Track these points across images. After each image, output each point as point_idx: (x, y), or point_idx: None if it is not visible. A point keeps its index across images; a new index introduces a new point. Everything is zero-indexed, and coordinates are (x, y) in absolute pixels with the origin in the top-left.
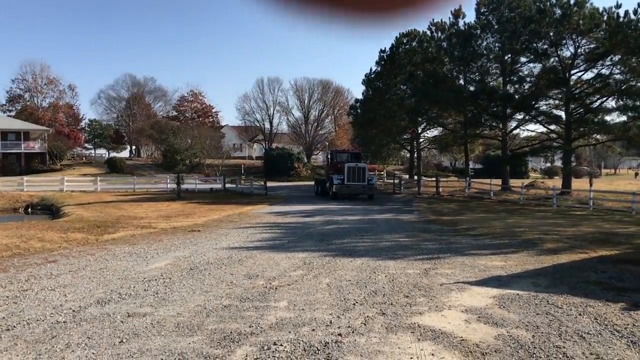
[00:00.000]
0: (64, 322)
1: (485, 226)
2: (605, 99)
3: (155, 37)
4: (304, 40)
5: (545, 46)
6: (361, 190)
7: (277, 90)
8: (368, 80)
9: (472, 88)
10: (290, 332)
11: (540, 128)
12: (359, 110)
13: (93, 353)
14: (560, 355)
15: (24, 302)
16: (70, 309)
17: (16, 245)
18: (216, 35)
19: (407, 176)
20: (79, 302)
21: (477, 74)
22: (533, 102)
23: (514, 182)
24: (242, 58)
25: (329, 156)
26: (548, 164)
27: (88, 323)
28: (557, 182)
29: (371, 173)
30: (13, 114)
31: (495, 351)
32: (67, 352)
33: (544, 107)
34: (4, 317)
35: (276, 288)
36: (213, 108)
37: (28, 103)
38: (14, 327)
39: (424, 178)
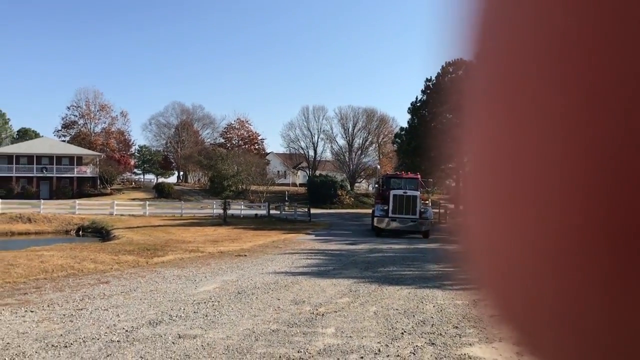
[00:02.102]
0: (117, 341)
1: None
2: None
3: (204, 66)
4: (349, 68)
5: None
6: (410, 227)
7: (321, 119)
8: (413, 109)
9: None
10: (338, 358)
11: None
12: (404, 139)
13: None
14: None
15: (79, 320)
16: (124, 328)
17: (70, 266)
18: (263, 64)
19: (452, 206)
20: (131, 322)
21: None
22: None
23: None
24: (288, 87)
25: (379, 182)
26: None
27: (141, 343)
28: None
29: (425, 202)
30: (67, 139)
31: None
32: None
33: None
34: (61, 335)
35: (323, 314)
36: (259, 135)
37: (82, 129)
38: (71, 344)
39: None
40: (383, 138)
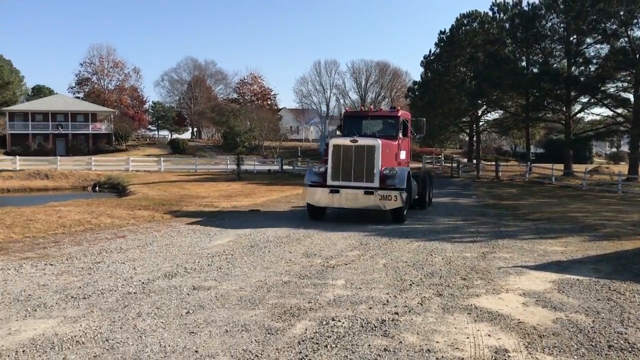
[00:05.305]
0: (134, 292)
1: (546, 211)
2: None
3: (216, 21)
4: (362, 21)
5: (615, 26)
6: (361, 200)
7: (334, 73)
8: (427, 62)
9: (535, 70)
10: (347, 309)
11: (606, 111)
12: (417, 93)
13: (162, 322)
14: (622, 341)
15: (97, 273)
16: (140, 281)
17: (88, 221)
18: (275, 18)
19: (465, 160)
20: (147, 275)
21: (540, 55)
22: (599, 85)
23: (577, 167)
24: (300, 41)
25: (340, 125)
26: (614, 149)
27: (157, 294)
28: (623, 168)
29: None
30: (81, 96)
31: (553, 334)
32: (139, 321)
33: (612, 89)
34: (80, 287)
35: (333, 267)
36: (271, 91)
37: (95, 86)
38: (90, 296)
39: (483, 162)
40: (396, 92)
